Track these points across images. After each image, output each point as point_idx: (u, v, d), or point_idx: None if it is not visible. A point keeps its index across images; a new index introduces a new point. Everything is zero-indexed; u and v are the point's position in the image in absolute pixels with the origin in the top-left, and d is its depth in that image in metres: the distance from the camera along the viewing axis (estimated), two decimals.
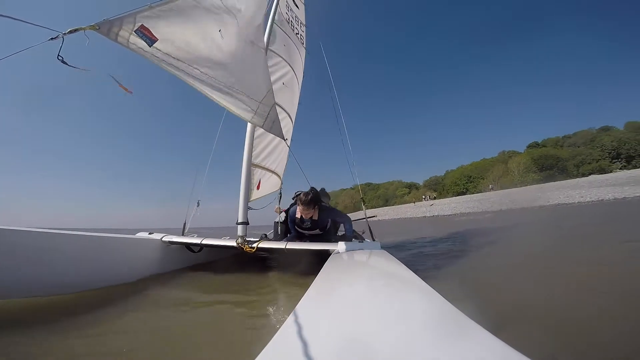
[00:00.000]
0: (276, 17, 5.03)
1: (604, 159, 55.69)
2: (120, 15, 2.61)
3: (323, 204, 3.87)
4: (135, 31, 2.65)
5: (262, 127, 3.51)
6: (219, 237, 3.84)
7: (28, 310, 2.33)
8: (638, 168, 45.77)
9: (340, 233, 4.46)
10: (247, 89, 3.37)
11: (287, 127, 5.72)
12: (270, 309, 2.30)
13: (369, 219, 4.42)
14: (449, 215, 25.42)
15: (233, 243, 3.29)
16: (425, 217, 27.89)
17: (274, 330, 0.83)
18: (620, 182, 22.17)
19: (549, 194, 23.02)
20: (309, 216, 3.66)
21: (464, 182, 66.34)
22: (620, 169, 51.40)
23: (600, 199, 16.58)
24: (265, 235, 4.90)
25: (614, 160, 55.25)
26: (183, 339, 1.77)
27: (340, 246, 2.89)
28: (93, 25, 2.45)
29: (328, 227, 3.95)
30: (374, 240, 3.18)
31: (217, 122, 5.08)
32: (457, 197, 54.38)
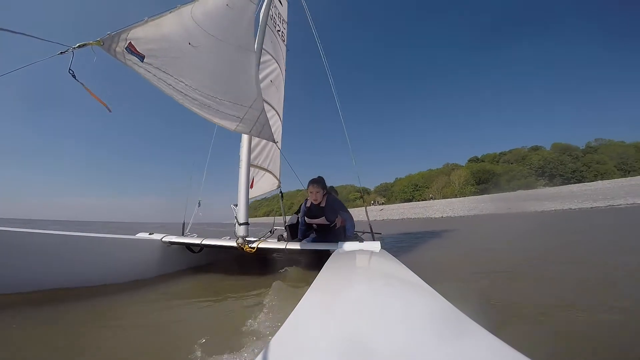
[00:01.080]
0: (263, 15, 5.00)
1: (531, 176, 62.49)
2: (117, 32, 2.69)
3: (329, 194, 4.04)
4: (125, 48, 2.74)
5: (249, 133, 3.51)
6: (219, 236, 3.90)
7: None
8: (557, 186, 52.28)
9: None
10: (235, 95, 3.39)
11: (275, 124, 5.72)
12: (270, 309, 2.34)
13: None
14: (397, 219, 27.21)
15: (233, 243, 3.27)
16: (375, 220, 29.42)
17: (274, 330, 0.84)
18: (541, 198, 25.42)
19: (483, 205, 25.72)
20: (318, 198, 3.82)
21: (411, 190, 70.43)
22: (544, 185, 58.14)
23: (523, 211, 19.04)
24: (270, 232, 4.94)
25: (539, 178, 62.25)
26: (182, 339, 1.81)
27: (340, 246, 2.95)
28: (98, 41, 2.56)
29: (336, 224, 4.02)
30: (374, 240, 3.15)
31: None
32: (404, 203, 57.72)
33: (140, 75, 2.93)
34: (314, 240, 3.99)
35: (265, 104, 4.37)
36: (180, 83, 3.12)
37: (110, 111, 2.79)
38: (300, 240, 4.04)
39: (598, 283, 2.74)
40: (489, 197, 37.45)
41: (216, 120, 3.28)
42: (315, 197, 3.83)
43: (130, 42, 2.77)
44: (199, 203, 4.70)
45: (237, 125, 3.42)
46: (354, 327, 0.89)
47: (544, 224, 10.07)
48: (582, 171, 59.04)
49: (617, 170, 56.32)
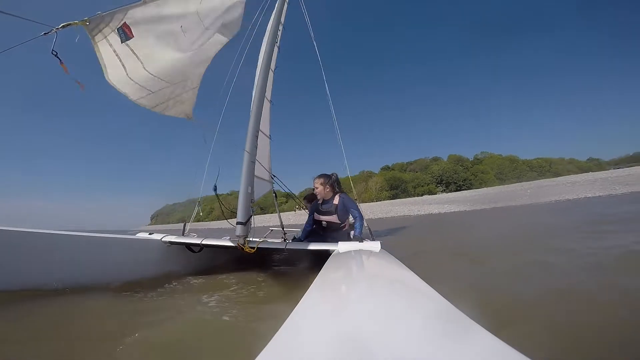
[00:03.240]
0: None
1: (432, 183, 71.25)
2: (111, 11, 2.60)
3: (343, 192, 4.05)
4: (117, 28, 2.65)
5: (151, 108, 3.60)
6: (220, 237, 3.89)
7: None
8: (453, 192, 60.75)
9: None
10: (164, 71, 3.39)
11: (266, 114, 5.51)
12: (270, 310, 2.34)
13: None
14: None
15: (233, 243, 3.26)
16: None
17: (274, 331, 0.85)
18: (442, 202, 29.55)
19: (397, 208, 28.76)
20: (322, 192, 3.86)
21: None
22: (442, 191, 66.85)
23: (430, 212, 22.04)
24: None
25: (438, 185, 71.29)
26: (181, 340, 1.81)
27: (340, 246, 2.94)
28: (84, 20, 2.45)
29: (345, 224, 4.00)
30: (374, 240, 3.19)
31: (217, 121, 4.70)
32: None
33: (100, 58, 2.83)
34: (315, 240, 3.93)
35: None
36: (141, 64, 3.12)
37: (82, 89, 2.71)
38: (302, 241, 4.03)
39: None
40: (400, 202, 41.89)
41: (119, 86, 3.26)
42: (320, 192, 3.89)
43: (125, 23, 2.70)
44: (198, 203, 4.60)
45: (140, 98, 3.45)
46: (354, 328, 0.90)
47: (448, 221, 12.18)
48: (471, 179, 69.46)
49: (497, 179, 67.84)
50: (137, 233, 3.77)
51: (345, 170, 4.50)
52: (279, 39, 5.74)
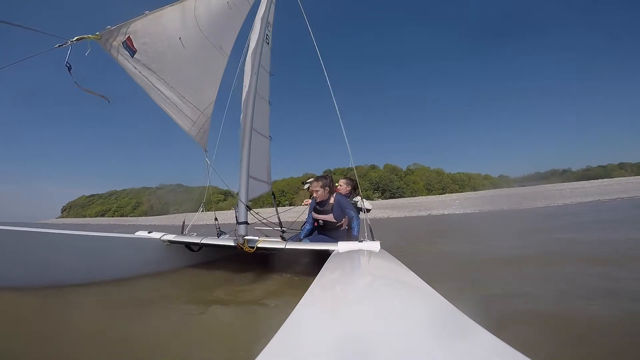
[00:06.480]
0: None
1: (370, 189, 76.12)
2: (117, 26, 2.68)
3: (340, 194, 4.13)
4: (122, 42, 2.74)
5: (194, 137, 3.68)
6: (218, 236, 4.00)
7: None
8: (388, 199, 65.94)
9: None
10: (195, 97, 3.48)
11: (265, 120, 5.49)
12: (270, 309, 2.33)
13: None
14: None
15: (233, 243, 3.24)
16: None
17: (274, 331, 0.84)
18: (383, 207, 32.73)
19: None
20: (318, 194, 3.91)
21: (278, 195, 74.54)
22: (378, 197, 71.91)
23: (375, 217, 24.63)
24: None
25: (375, 191, 76.39)
26: (181, 340, 1.81)
27: (340, 246, 2.94)
28: (97, 35, 2.51)
29: (342, 224, 4.04)
30: (373, 240, 3.18)
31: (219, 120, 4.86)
32: (271, 208, 60.79)
33: (127, 73, 2.89)
34: (314, 240, 4.02)
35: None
36: (161, 80, 3.14)
37: (109, 102, 2.79)
38: (301, 240, 4.08)
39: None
40: None
41: (179, 121, 3.43)
42: (316, 193, 3.97)
43: (129, 37, 2.76)
44: (202, 205, 4.63)
45: (190, 128, 3.61)
46: (354, 328, 0.90)
47: (394, 225, 14.44)
48: (403, 188, 75.65)
49: (425, 189, 75.04)
50: (136, 232, 3.85)
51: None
52: (269, 39, 5.22)
